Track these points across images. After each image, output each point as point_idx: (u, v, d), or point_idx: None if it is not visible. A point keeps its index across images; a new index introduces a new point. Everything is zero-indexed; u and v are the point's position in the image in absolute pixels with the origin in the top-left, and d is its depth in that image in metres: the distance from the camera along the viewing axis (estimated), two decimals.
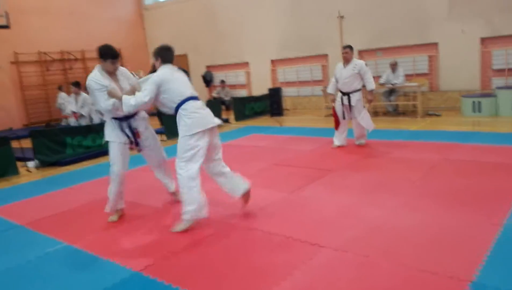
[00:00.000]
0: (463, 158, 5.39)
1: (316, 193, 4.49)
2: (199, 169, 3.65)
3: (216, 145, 3.82)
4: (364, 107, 6.46)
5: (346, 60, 6.33)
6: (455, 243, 3.06)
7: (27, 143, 8.01)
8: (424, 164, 5.23)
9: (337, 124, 6.60)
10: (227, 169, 3.94)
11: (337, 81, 6.48)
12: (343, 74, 6.32)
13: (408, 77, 9.97)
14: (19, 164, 7.02)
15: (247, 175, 5.15)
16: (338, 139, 6.64)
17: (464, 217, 3.51)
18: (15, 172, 6.81)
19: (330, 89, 6.69)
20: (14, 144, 7.38)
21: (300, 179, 5.04)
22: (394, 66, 9.56)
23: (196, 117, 3.61)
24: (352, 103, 6.34)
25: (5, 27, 11.21)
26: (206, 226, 3.79)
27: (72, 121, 9.37)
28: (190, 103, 3.65)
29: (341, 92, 6.47)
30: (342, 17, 11.03)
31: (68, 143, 7.57)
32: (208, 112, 3.76)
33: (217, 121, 3.79)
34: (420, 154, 5.77)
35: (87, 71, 14.45)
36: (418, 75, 10.17)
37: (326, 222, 3.68)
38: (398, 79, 9.45)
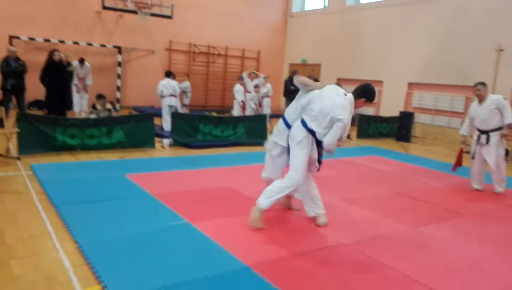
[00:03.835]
0: None
1: (442, 235, 4.09)
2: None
3: None
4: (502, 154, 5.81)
5: (480, 98, 5.81)
6: None
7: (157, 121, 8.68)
8: None
9: (456, 164, 6.26)
10: None
11: (471, 121, 5.96)
12: (479, 113, 5.79)
13: None
14: (156, 139, 7.78)
15: (363, 199, 4.99)
16: (474, 181, 6.00)
17: None
18: (152, 145, 7.56)
19: (464, 130, 6.16)
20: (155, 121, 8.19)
21: (424, 215, 4.66)
22: None
23: None
24: (491, 142, 5.69)
25: (168, 17, 12.57)
26: (321, 241, 3.72)
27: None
28: None
29: (478, 130, 5.87)
30: (502, 50, 9.94)
31: (200, 130, 8.16)
32: None
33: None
34: None
35: (227, 66, 15.48)
36: None
37: (451, 271, 3.32)
38: None
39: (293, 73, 11.80)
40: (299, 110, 4.08)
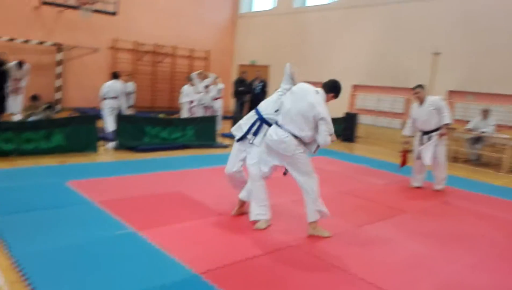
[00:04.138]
0: None
1: (386, 233, 4.26)
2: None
3: None
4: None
5: (420, 100, 6.09)
6: None
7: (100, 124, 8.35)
8: (507, 225, 4.79)
9: (402, 164, 6.42)
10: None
11: (413, 122, 6.23)
12: (420, 114, 6.08)
13: (500, 127, 9.26)
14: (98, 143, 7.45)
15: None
16: (415, 179, 6.32)
17: None
18: (95, 149, 7.24)
19: (406, 131, 6.43)
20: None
21: (369, 214, 4.83)
22: (486, 113, 8.95)
23: None
24: (431, 141, 6.02)
25: (112, 14, 12.11)
26: (272, 244, 3.74)
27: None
28: None
29: (421, 131, 6.18)
30: (437, 53, 10.56)
31: (147, 132, 7.94)
32: None
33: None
34: (502, 213, 5.30)
35: (175, 66, 15.19)
36: (511, 127, 9.42)
37: (398, 267, 3.46)
38: (488, 128, 8.82)
39: (242, 74, 11.84)
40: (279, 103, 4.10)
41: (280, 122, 3.96)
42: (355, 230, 4.27)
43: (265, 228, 4.08)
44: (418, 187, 6.30)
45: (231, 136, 9.17)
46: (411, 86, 11.04)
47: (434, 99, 6.06)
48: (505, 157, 8.49)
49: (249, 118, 4.30)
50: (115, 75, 9.67)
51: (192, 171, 6.37)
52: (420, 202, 5.58)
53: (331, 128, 3.87)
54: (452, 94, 10.41)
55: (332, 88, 4.03)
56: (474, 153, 9.16)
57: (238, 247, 3.62)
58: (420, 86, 6.13)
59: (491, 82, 9.68)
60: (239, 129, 4.33)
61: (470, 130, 9.01)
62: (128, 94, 11.55)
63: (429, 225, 4.64)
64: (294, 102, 3.90)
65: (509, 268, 3.58)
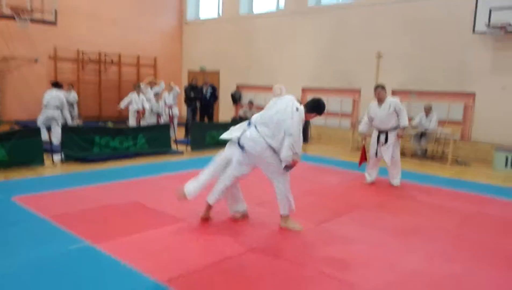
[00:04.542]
0: (496, 213, 5.20)
1: (345, 229, 4.35)
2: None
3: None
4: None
5: (380, 100, 6.27)
6: None
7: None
8: (458, 214, 5.06)
9: (361, 160, 6.55)
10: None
11: (370, 120, 6.43)
12: (379, 114, 6.27)
13: (441, 123, 9.81)
14: (45, 155, 7.05)
15: (268, 201, 5.08)
16: (370, 175, 6.52)
17: (503, 276, 3.33)
18: (41, 162, 6.85)
19: (362, 128, 6.61)
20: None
21: (326, 212, 4.91)
22: (428, 110, 9.44)
23: None
24: (390, 140, 6.25)
25: (52, 23, 11.56)
26: (234, 248, 3.69)
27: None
28: None
29: (377, 129, 6.39)
30: (381, 56, 11.02)
31: (96, 142, 7.62)
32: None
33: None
34: (452, 202, 5.59)
35: (121, 74, 14.75)
36: (451, 122, 10.00)
37: (358, 262, 3.53)
38: (431, 124, 9.31)
39: (192, 80, 11.70)
40: None
41: (257, 125, 4.05)
42: (315, 228, 4.33)
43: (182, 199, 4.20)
44: (372, 183, 6.51)
45: (186, 142, 9.09)
46: (358, 87, 11.62)
47: (393, 101, 6.23)
48: (449, 151, 9.00)
49: (241, 125, 4.34)
50: (55, 84, 9.34)
51: (148, 179, 6.18)
52: (376, 197, 5.76)
53: (297, 147, 3.94)
54: (396, 93, 10.85)
55: (314, 108, 4.15)
56: (421, 148, 9.63)
57: (200, 253, 3.54)
58: (381, 86, 6.28)
59: (432, 81, 10.24)
60: (231, 132, 4.32)
61: (414, 127, 9.46)
62: (70, 104, 11.14)
63: (386, 218, 4.80)
64: (273, 110, 4.03)
65: (464, 256, 3.76)
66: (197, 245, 3.73)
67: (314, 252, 3.69)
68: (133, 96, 10.58)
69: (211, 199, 4.29)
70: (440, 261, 3.60)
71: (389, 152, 6.28)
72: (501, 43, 9.21)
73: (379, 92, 6.23)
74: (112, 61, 14.40)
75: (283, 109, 3.97)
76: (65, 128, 7.41)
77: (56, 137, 8.34)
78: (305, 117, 4.05)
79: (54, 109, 9.07)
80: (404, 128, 6.34)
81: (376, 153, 6.39)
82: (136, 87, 10.73)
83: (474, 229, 4.53)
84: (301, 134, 4.01)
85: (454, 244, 4.05)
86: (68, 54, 13.50)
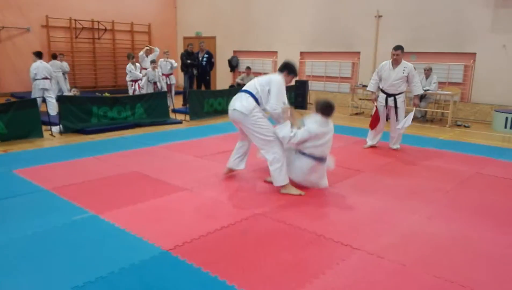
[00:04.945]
0: (495, 173, 5.24)
1: (346, 193, 4.39)
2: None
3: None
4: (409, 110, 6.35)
5: (396, 62, 6.07)
6: (495, 262, 2.95)
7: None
8: (457, 175, 5.10)
9: (374, 124, 6.40)
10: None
11: (380, 81, 6.28)
12: (392, 76, 6.08)
13: (441, 84, 9.73)
14: (43, 127, 7.03)
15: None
16: (371, 140, 6.50)
17: (504, 236, 3.39)
18: (40, 134, 6.82)
19: (372, 87, 6.42)
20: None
21: (328, 176, 4.93)
22: (428, 72, 9.34)
23: None
24: (398, 105, 6.18)
25: None
26: (234, 214, 3.73)
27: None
28: None
29: (385, 93, 6.27)
30: (380, 16, 10.78)
31: (94, 113, 7.57)
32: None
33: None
34: (451, 164, 5.62)
35: (115, 42, 14.47)
36: (451, 83, 9.92)
37: (359, 224, 3.58)
38: (431, 86, 9.23)
39: (188, 46, 11.48)
40: None
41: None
42: (316, 193, 4.36)
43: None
44: (373, 146, 6.50)
45: (184, 111, 9.03)
46: (357, 50, 11.42)
47: (409, 65, 6.07)
48: (449, 113, 8.97)
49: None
50: (38, 54, 9.21)
51: (147, 149, 6.18)
52: (376, 161, 5.78)
53: (281, 100, 4.22)
54: None
55: (282, 68, 4.47)
56: (421, 111, 9.59)
57: (205, 220, 3.58)
58: (400, 47, 6.04)
59: (432, 42, 10.06)
60: None
61: None
62: (63, 73, 11.04)
63: (385, 181, 4.83)
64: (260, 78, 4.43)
65: (461, 216, 3.82)
66: (201, 213, 3.76)
67: (315, 216, 3.73)
68: (129, 67, 10.45)
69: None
70: (438, 221, 3.66)
71: (402, 116, 6.18)
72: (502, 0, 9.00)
73: (398, 53, 5.99)
74: (105, 29, 14.10)
75: (267, 78, 4.38)
76: (62, 99, 7.33)
77: (51, 108, 8.27)
78: (286, 81, 4.41)
79: (44, 80, 8.99)
80: (418, 96, 6.22)
81: (387, 118, 6.33)
82: (130, 58, 10.57)
83: (472, 190, 4.57)
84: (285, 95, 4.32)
85: (452, 205, 4.10)
86: (60, 22, 13.20)
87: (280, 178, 4.22)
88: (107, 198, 4.07)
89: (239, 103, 4.26)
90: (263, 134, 4.20)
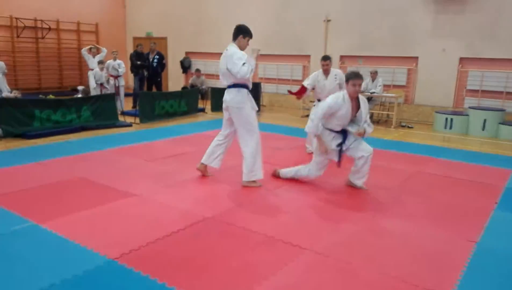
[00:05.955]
0: (435, 172, 5.54)
1: (294, 193, 4.47)
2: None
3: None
4: None
5: (326, 72, 6.24)
6: (434, 256, 3.12)
7: None
8: (400, 175, 5.34)
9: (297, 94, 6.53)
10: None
11: (315, 89, 6.33)
12: (326, 86, 6.21)
13: (386, 87, 10.15)
14: None
15: (221, 169, 5.09)
16: (310, 144, 6.63)
17: (442, 232, 3.59)
18: None
19: (307, 83, 6.38)
20: None
21: (276, 178, 5.01)
22: (374, 75, 9.71)
23: None
24: None
25: None
26: (184, 219, 3.69)
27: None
28: None
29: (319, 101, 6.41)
30: (329, 20, 11.08)
31: (36, 116, 7.20)
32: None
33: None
34: (395, 164, 5.88)
35: (61, 42, 13.86)
36: (395, 86, 10.37)
37: (306, 224, 3.67)
38: (377, 89, 9.61)
39: (138, 46, 11.22)
40: None
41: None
42: (265, 194, 4.41)
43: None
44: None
45: (134, 114, 8.81)
46: (307, 53, 11.67)
47: (338, 72, 6.23)
48: (394, 114, 9.38)
49: None
50: None
51: (95, 153, 5.97)
52: None
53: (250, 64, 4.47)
54: (344, 58, 11.09)
55: (235, 34, 4.67)
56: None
57: (153, 227, 3.51)
58: (329, 57, 6.20)
59: (377, 46, 10.48)
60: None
61: (361, 91, 9.71)
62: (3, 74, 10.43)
63: (331, 181, 4.97)
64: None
65: (403, 214, 4.01)
66: (149, 219, 3.68)
67: (267, 218, 3.77)
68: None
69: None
70: (382, 220, 3.81)
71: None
72: (441, 6, 9.53)
73: (328, 63, 6.15)
74: (49, 28, 13.46)
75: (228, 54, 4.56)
76: (2, 101, 6.92)
77: None
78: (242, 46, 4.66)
79: None
80: None
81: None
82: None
83: (413, 188, 4.81)
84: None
85: (394, 204, 4.28)
86: (0, 20, 12.45)
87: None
88: (50, 206, 3.89)
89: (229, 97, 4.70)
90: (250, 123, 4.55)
